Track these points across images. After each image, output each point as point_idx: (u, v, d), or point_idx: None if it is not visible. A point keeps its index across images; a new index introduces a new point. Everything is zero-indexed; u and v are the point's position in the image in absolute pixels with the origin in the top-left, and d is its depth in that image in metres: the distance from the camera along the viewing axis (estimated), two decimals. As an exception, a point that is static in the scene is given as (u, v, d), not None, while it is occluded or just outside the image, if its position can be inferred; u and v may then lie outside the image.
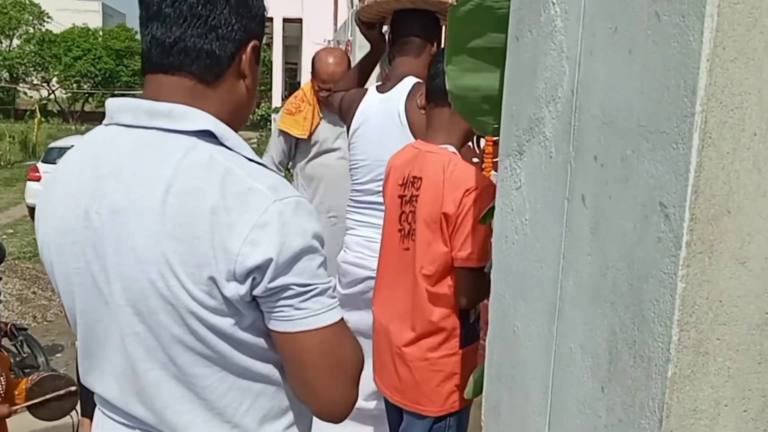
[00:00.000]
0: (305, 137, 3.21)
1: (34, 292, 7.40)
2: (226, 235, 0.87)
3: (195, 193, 0.88)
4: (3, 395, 2.77)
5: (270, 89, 18.63)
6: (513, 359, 1.01)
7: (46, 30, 31.12)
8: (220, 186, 0.88)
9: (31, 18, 30.73)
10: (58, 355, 5.59)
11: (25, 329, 5.17)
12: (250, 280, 0.88)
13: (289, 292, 0.90)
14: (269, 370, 0.99)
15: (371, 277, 2.35)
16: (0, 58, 30.09)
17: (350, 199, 2.58)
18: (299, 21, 14.38)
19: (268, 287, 0.89)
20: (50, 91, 31.66)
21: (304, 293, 0.91)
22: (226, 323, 0.91)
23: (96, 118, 30.99)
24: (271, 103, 17.59)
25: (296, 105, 3.27)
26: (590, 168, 0.79)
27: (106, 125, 1.00)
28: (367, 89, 2.58)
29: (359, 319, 2.51)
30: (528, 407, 0.95)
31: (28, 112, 25.83)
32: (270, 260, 0.87)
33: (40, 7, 31.35)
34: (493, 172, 3.72)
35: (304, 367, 0.95)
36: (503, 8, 1.06)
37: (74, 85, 30.98)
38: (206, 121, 0.94)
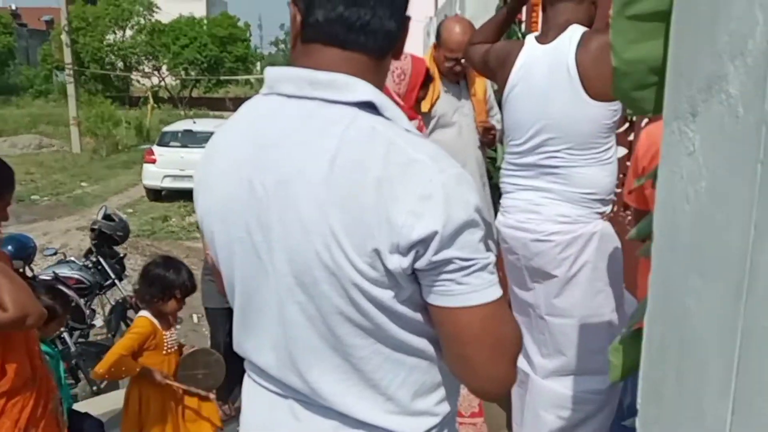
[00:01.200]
0: (426, 111, 3.15)
1: (153, 269, 7.84)
2: (390, 206, 0.86)
3: (360, 165, 0.88)
4: (173, 350, 2.94)
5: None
6: (682, 338, 0.93)
7: (156, 20, 32.66)
8: (383, 157, 0.88)
9: (141, 9, 32.33)
10: (178, 327, 5.90)
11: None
12: (413, 252, 0.87)
13: (452, 266, 0.89)
14: (424, 344, 0.98)
15: (538, 240, 2.29)
16: (115, 48, 31.90)
17: (507, 162, 2.45)
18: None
19: (432, 260, 0.88)
20: (161, 79, 33.30)
21: (466, 267, 0.89)
22: (387, 295, 0.92)
23: (203, 103, 32.39)
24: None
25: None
26: (795, 126, 0.70)
27: (265, 95, 1.01)
28: (522, 41, 2.40)
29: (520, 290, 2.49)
30: (704, 389, 0.88)
31: (141, 99, 27.35)
32: (435, 233, 0.86)
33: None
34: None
35: (463, 343, 0.93)
36: (670, -40, 0.97)
37: (182, 72, 32.42)
38: (367, 91, 0.94)
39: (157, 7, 32.77)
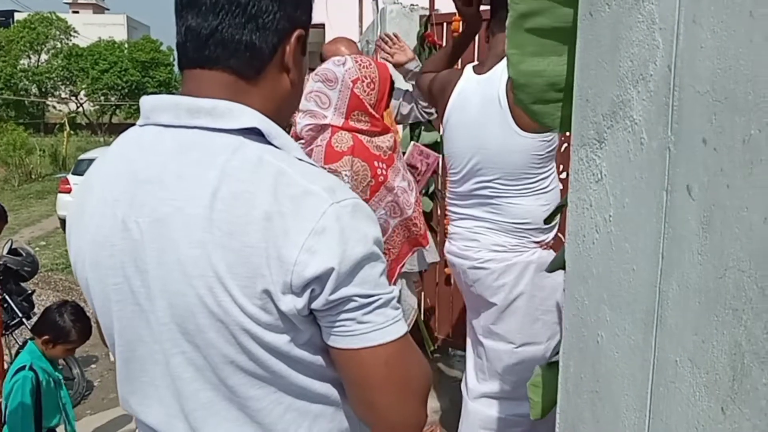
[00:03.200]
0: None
1: (67, 304, 7.43)
2: (281, 243, 0.79)
3: (245, 198, 0.80)
4: None
5: (294, 95, 18.64)
6: (596, 372, 0.90)
7: (73, 44, 31.63)
8: (272, 189, 0.80)
9: (58, 33, 31.27)
10: (93, 366, 5.58)
11: (60, 341, 5.17)
12: (308, 292, 0.80)
13: (352, 305, 0.82)
14: (327, 389, 0.90)
15: (474, 267, 2.32)
16: (29, 74, 30.63)
17: (449, 191, 2.44)
18: (322, 26, 14.33)
19: (329, 299, 0.81)
20: (78, 105, 32.18)
21: (367, 305, 0.83)
22: (282, 340, 0.83)
23: (124, 129, 31.40)
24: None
25: None
26: (697, 153, 0.68)
27: (141, 126, 0.93)
28: (462, 70, 2.39)
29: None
30: (618, 427, 0.84)
31: (57, 126, 26.27)
32: (331, 270, 0.79)
33: (66, 22, 31.93)
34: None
35: (368, 387, 0.86)
36: (571, -19, 0.96)
37: (102, 98, 31.43)
38: (252, 117, 0.86)
39: (75, 31, 31.79)
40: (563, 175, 3.50)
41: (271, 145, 0.86)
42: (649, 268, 0.77)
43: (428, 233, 2.64)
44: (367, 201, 2.29)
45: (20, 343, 5.37)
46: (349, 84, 2.25)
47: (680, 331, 0.71)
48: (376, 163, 2.29)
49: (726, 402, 0.64)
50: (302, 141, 2.35)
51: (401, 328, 0.86)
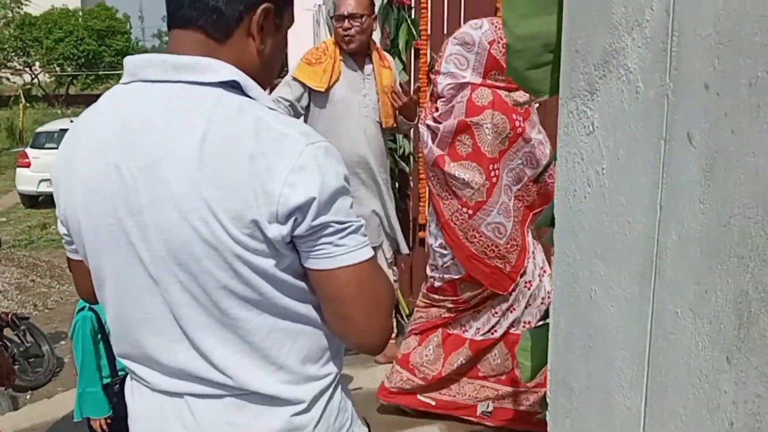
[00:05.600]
0: (322, 90, 2.99)
1: (32, 280, 7.27)
2: (266, 179, 0.90)
3: (231, 141, 0.91)
4: None
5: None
6: (589, 327, 0.89)
7: (26, 13, 30.42)
8: (253, 133, 0.91)
9: (8, 2, 30.04)
10: (62, 342, 5.48)
11: (27, 318, 5.05)
12: (291, 220, 0.91)
13: (329, 230, 0.94)
14: (308, 310, 1.02)
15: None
16: (-21, 45, 29.48)
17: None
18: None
19: (311, 225, 0.92)
20: (33, 76, 31.13)
21: (341, 230, 0.95)
22: (268, 264, 0.94)
23: (81, 101, 30.54)
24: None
25: (317, 56, 3.02)
26: (698, 99, 0.66)
27: (126, 84, 1.01)
28: None
29: None
30: (614, 381, 0.84)
31: (12, 98, 25.37)
32: (312, 199, 0.90)
33: (17, -10, 30.66)
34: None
35: (343, 302, 0.98)
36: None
37: (57, 69, 30.42)
38: (231, 71, 0.96)
39: None
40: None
41: (247, 96, 0.96)
42: (646, 220, 0.76)
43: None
44: (505, 151, 2.41)
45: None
46: (485, 45, 2.37)
47: (680, 281, 0.70)
48: (514, 116, 2.41)
49: (731, 351, 0.63)
50: (443, 99, 2.45)
51: (369, 251, 0.99)
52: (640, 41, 0.75)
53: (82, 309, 2.46)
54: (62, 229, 1.13)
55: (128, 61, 1.00)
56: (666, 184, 0.71)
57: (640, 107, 0.76)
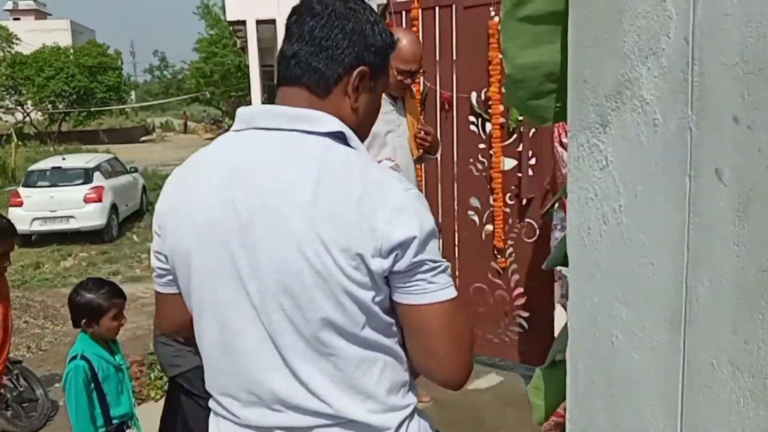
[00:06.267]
0: None
1: (26, 321, 7.15)
2: (371, 218, 1.01)
3: (341, 185, 1.03)
4: None
5: (249, 93, 18.34)
6: (611, 375, 0.83)
7: (16, 52, 30.52)
8: (359, 179, 1.03)
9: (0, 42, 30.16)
10: (56, 385, 5.35)
11: (20, 361, 4.93)
12: (393, 255, 1.01)
13: (425, 267, 1.02)
14: (392, 344, 1.10)
15: None
16: (-29, 85, 29.51)
17: None
18: (273, 22, 14.07)
19: (412, 261, 1.01)
20: (25, 114, 31.14)
21: (434, 269, 1.03)
22: (368, 296, 1.04)
23: (74, 137, 30.53)
24: (251, 108, 17.20)
25: None
26: (727, 133, 0.61)
27: (238, 131, 1.13)
28: None
29: None
30: (643, 435, 0.77)
31: (3, 137, 25.34)
32: (413, 237, 1.01)
33: (8, 30, 30.77)
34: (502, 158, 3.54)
35: (428, 336, 1.06)
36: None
37: (49, 106, 30.44)
38: (338, 124, 1.08)
39: (17, 39, 30.57)
40: (533, 161, 3.47)
41: (348, 146, 1.09)
42: (672, 261, 0.70)
43: None
44: None
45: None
46: None
47: (715, 330, 0.64)
48: None
49: (778, 409, 0.57)
50: None
51: (455, 291, 1.07)
52: (656, 71, 0.70)
53: (74, 358, 2.38)
54: (157, 264, 1.23)
55: (241, 110, 1.15)
56: (694, 224, 0.66)
57: (660, 141, 0.70)
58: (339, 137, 1.08)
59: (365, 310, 1.05)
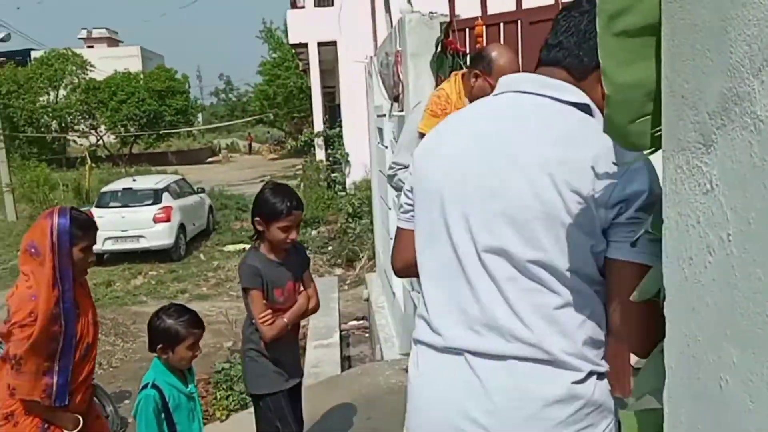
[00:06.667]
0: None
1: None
2: (603, 171, 1.13)
3: (580, 140, 1.18)
4: None
5: (311, 114, 18.60)
6: (720, 425, 0.74)
7: (90, 78, 31.97)
8: (596, 139, 1.13)
9: (74, 68, 31.61)
10: (126, 401, 5.48)
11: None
12: (617, 208, 1.13)
13: (639, 225, 1.09)
14: (598, 303, 1.20)
15: None
16: (49, 110, 31.02)
17: None
18: (333, 44, 14.28)
19: (634, 215, 1.12)
20: (99, 137, 32.50)
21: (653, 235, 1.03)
22: (586, 242, 1.16)
23: (144, 159, 31.69)
24: (313, 129, 17.50)
25: (441, 106, 2.95)
26: None
27: (495, 95, 1.34)
28: None
29: None
30: (761, 495, 0.68)
31: (78, 160, 26.49)
32: (642, 192, 1.11)
33: (82, 57, 32.28)
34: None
35: (627, 297, 1.05)
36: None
37: (121, 129, 31.69)
38: (585, 97, 1.24)
39: (91, 65, 32.06)
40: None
41: (591, 116, 1.23)
42: (796, 299, 0.61)
43: None
44: None
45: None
46: None
47: None
48: None
49: None
50: None
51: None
52: (773, 84, 0.62)
53: (145, 386, 2.39)
54: (406, 200, 1.44)
55: (504, 78, 1.37)
56: (825, 258, 0.58)
57: (778, 162, 0.62)
58: (583, 109, 1.23)
59: (579, 254, 1.15)
